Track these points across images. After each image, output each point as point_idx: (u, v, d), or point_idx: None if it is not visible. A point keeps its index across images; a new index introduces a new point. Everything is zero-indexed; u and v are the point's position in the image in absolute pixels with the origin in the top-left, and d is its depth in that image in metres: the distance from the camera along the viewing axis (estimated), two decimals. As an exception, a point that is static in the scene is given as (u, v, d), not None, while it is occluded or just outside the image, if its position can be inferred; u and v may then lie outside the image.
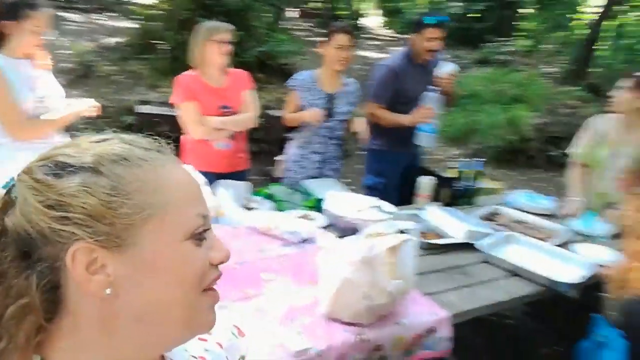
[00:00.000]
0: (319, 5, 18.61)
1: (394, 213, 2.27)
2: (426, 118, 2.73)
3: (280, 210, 2.34)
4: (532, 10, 13.08)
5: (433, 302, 1.67)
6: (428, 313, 1.61)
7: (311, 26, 15.27)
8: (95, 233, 0.49)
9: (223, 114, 2.56)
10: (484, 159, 3.00)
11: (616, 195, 2.51)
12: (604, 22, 9.80)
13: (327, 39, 2.69)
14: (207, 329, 0.59)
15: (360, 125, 2.78)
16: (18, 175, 0.52)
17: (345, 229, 2.12)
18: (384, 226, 1.66)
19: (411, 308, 1.61)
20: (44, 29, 2.10)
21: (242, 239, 2.04)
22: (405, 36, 17.30)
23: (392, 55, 3.06)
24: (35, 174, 0.50)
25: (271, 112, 4.89)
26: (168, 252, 0.52)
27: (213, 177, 2.39)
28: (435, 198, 2.67)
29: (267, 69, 6.62)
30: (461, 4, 13.09)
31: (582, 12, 12.79)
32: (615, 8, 9.85)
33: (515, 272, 1.97)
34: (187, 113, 2.52)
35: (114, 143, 0.54)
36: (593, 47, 9.72)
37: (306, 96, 2.73)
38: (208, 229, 0.56)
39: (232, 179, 2.50)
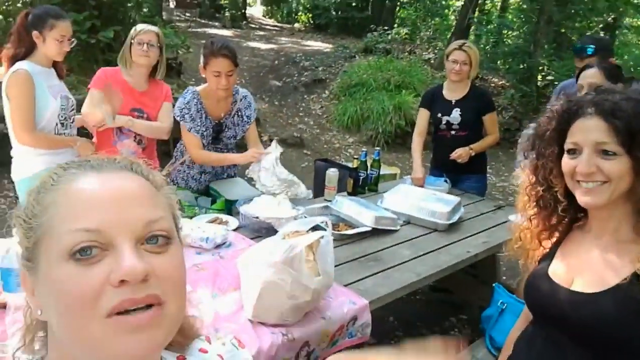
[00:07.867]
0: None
1: (307, 208, 2.31)
2: None
3: (188, 217, 2.23)
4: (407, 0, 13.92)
5: (352, 292, 1.74)
6: (349, 303, 1.67)
7: (189, 17, 14.73)
8: (23, 257, 0.53)
9: (135, 117, 2.51)
10: (378, 148, 3.15)
11: None
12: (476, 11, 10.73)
13: (205, 60, 2.30)
14: (124, 356, 0.50)
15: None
16: None
17: (259, 229, 2.11)
18: (299, 224, 1.67)
19: (333, 301, 1.65)
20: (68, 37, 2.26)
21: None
22: (287, 25, 17.26)
23: None
24: None
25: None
26: (51, 274, 0.50)
27: None
28: (342, 189, 2.76)
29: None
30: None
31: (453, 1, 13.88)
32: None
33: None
34: (90, 98, 2.46)
35: (51, 170, 0.56)
36: (467, 34, 10.60)
37: (193, 125, 2.44)
38: (98, 246, 0.50)
39: None
